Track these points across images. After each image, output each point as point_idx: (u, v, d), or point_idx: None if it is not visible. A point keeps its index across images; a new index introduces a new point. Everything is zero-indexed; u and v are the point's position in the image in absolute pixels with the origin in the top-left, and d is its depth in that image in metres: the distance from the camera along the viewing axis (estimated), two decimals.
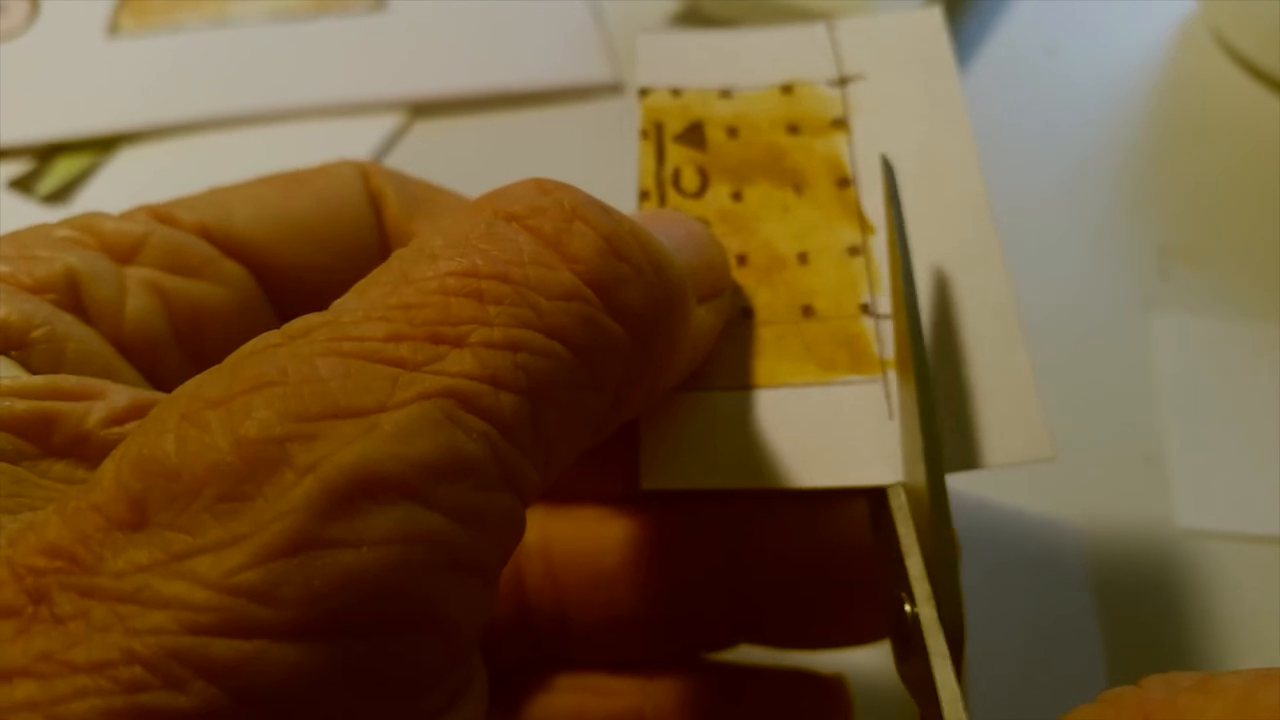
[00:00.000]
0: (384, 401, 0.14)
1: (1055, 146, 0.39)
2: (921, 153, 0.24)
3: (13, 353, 0.17)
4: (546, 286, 0.16)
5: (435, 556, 0.14)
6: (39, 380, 0.16)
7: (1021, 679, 0.27)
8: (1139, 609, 0.28)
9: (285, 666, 0.13)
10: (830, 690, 0.24)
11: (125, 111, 0.40)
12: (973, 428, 0.21)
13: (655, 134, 0.24)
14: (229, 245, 0.20)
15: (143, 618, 0.12)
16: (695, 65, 0.26)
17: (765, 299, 0.22)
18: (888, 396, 0.21)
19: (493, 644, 0.23)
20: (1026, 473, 0.21)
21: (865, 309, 0.22)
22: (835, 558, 0.22)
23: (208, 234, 0.20)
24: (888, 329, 0.22)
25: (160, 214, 0.20)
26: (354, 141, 0.39)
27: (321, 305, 0.18)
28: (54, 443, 0.15)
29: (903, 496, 0.19)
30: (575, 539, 0.23)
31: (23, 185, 0.38)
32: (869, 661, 0.24)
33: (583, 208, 0.17)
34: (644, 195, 0.23)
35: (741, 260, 0.22)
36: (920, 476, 0.18)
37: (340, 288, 0.19)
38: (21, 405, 0.15)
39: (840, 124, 0.25)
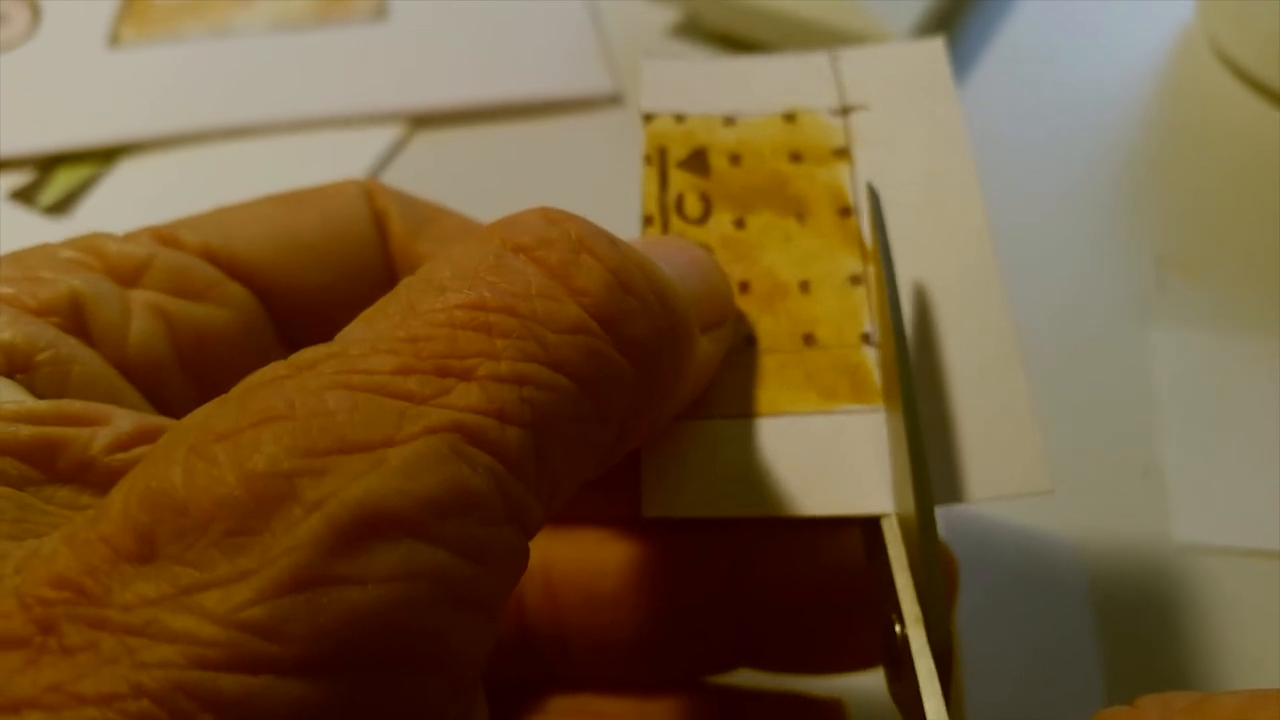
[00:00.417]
0: (391, 436, 0.14)
1: (1053, 156, 0.39)
2: (924, 183, 0.24)
3: (18, 376, 0.17)
4: (553, 320, 0.16)
5: (439, 592, 0.14)
6: (44, 405, 0.16)
7: (1019, 693, 0.27)
8: (1137, 623, 0.28)
9: (290, 702, 0.13)
10: (828, 713, 0.24)
11: (126, 122, 0.40)
12: (971, 459, 0.21)
13: (659, 159, 0.24)
14: (233, 267, 0.20)
15: (151, 651, 0.13)
16: (699, 91, 0.26)
17: (767, 326, 0.22)
18: (887, 427, 0.21)
19: (492, 665, 0.23)
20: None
21: (866, 338, 0.22)
22: (835, 583, 0.23)
23: (211, 256, 0.20)
24: None
25: (164, 236, 0.20)
26: (355, 152, 0.39)
27: (325, 326, 0.18)
28: (59, 468, 0.15)
29: (895, 524, 0.20)
30: (576, 561, 0.23)
31: (24, 196, 0.38)
32: (867, 685, 0.24)
33: (590, 239, 0.17)
34: (647, 221, 0.23)
35: (744, 287, 0.23)
36: (910, 505, 0.19)
37: (344, 308, 0.20)
38: (27, 430, 0.15)
39: (843, 153, 0.25)
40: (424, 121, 0.40)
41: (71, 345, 0.18)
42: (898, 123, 0.25)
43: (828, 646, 0.23)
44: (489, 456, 0.15)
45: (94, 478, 0.15)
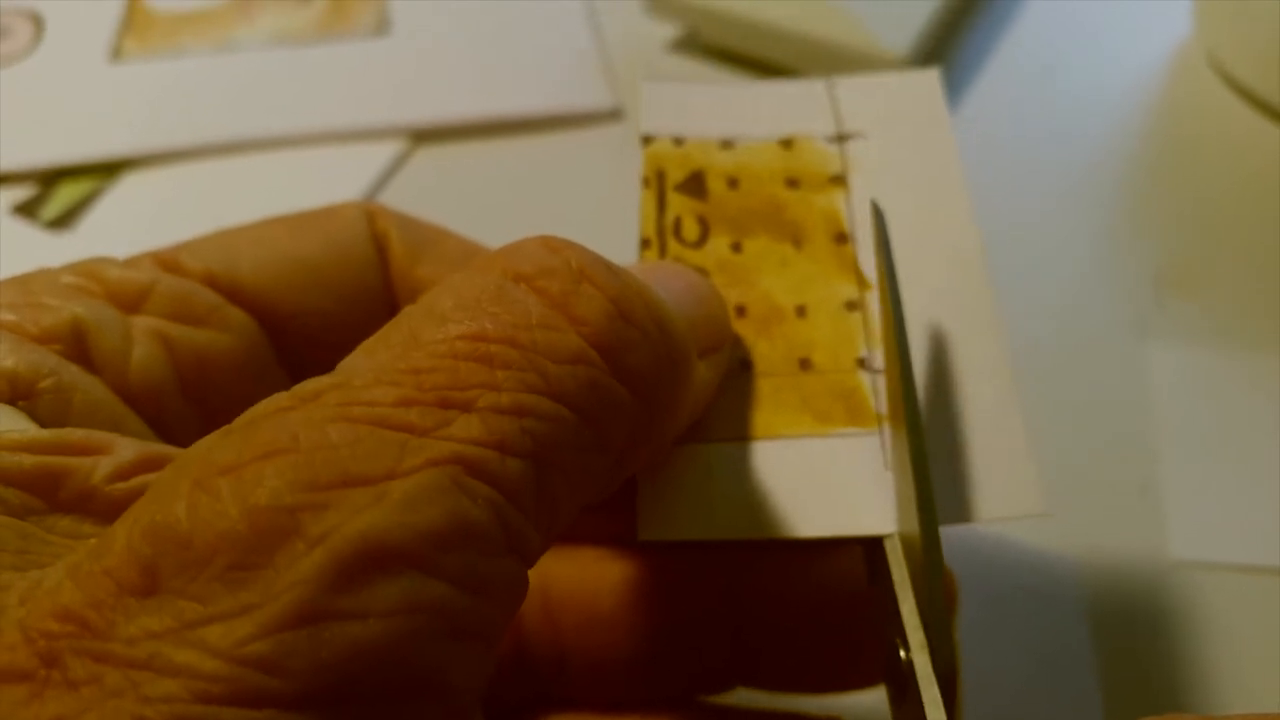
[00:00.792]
0: (393, 469, 0.14)
1: (1050, 171, 0.39)
2: (918, 213, 0.24)
3: (20, 403, 0.17)
4: (554, 350, 0.16)
5: (439, 625, 0.14)
6: (46, 434, 0.16)
7: (1018, 709, 0.27)
8: (1134, 640, 0.28)
9: None
10: None
11: (129, 136, 0.40)
12: (967, 482, 0.21)
13: (657, 182, 0.24)
14: (234, 292, 0.20)
15: (155, 685, 0.13)
16: (698, 114, 0.26)
17: (763, 350, 0.22)
18: (883, 449, 0.21)
19: (489, 685, 0.23)
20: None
21: (862, 363, 0.22)
22: (833, 602, 0.23)
23: (213, 281, 0.20)
24: (884, 383, 0.22)
25: (166, 261, 0.20)
26: (357, 167, 0.39)
27: (325, 349, 0.18)
28: (61, 498, 0.15)
29: (898, 545, 0.20)
30: (573, 579, 0.23)
31: (26, 211, 0.38)
32: (864, 704, 0.24)
33: (590, 268, 0.17)
34: (645, 243, 0.24)
35: (740, 311, 0.23)
36: (914, 525, 0.19)
37: (344, 332, 0.20)
38: (29, 460, 0.15)
39: (839, 180, 0.25)
40: (425, 136, 0.40)
41: (73, 372, 0.18)
42: (893, 152, 0.25)
43: (825, 665, 0.23)
44: (489, 488, 0.15)
45: (96, 507, 0.15)
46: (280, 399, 0.15)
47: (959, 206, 0.24)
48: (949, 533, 0.29)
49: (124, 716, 0.12)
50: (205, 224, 0.23)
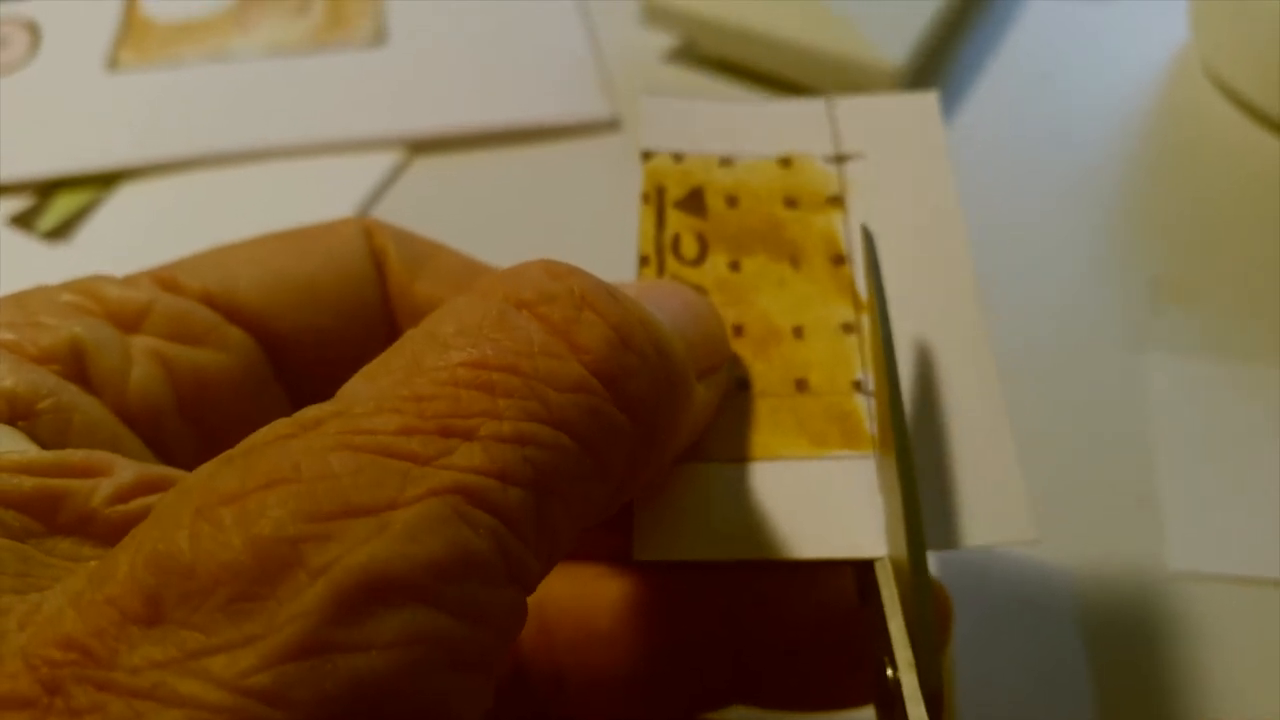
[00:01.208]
0: (394, 499, 0.14)
1: (1047, 180, 0.39)
2: (914, 237, 0.24)
3: (20, 423, 0.17)
4: (555, 378, 0.16)
5: (440, 656, 0.14)
6: (47, 456, 0.16)
7: None
8: (1130, 651, 0.28)
9: None
10: None
11: (126, 147, 0.40)
12: (957, 507, 0.21)
13: (656, 198, 0.24)
14: (232, 311, 0.20)
15: (158, 715, 0.13)
16: (698, 131, 0.26)
17: (760, 370, 0.22)
18: (879, 472, 0.21)
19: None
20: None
21: (858, 386, 0.22)
22: (830, 620, 0.23)
23: (211, 300, 0.20)
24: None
25: (164, 279, 0.20)
26: (354, 178, 0.39)
27: (323, 367, 0.18)
28: (60, 521, 0.15)
29: (889, 567, 0.20)
30: (571, 597, 0.23)
31: (23, 221, 0.38)
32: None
33: (591, 295, 0.17)
34: (644, 261, 0.23)
35: (738, 330, 0.23)
36: (904, 548, 0.19)
37: (342, 348, 0.20)
38: (29, 482, 0.15)
39: (836, 201, 0.25)
40: (422, 147, 0.40)
41: (72, 393, 0.18)
42: (890, 174, 0.25)
43: (822, 684, 0.23)
44: (491, 518, 0.15)
45: (95, 530, 0.15)
46: (281, 426, 0.15)
47: (953, 231, 0.24)
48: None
49: None
50: (202, 234, 0.23)
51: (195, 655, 0.13)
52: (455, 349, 0.16)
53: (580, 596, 0.23)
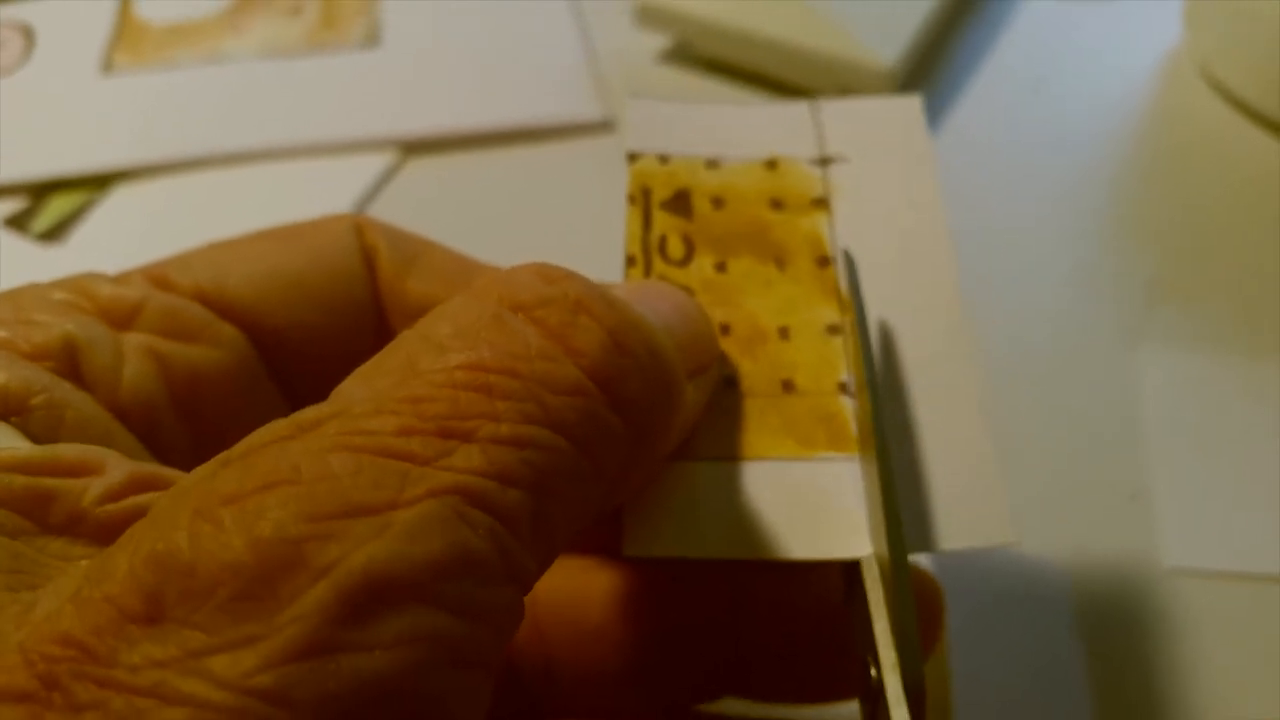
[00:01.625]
0: (395, 499, 0.14)
1: (1041, 181, 0.39)
2: (898, 239, 0.24)
3: (12, 419, 0.17)
4: (553, 381, 0.16)
5: (441, 655, 0.14)
6: (39, 452, 0.16)
7: (1008, 717, 0.27)
8: (1125, 647, 0.28)
9: None
10: None
11: (120, 148, 0.40)
12: (937, 510, 0.21)
13: (642, 199, 0.25)
14: (224, 307, 0.21)
15: (161, 713, 0.13)
16: (683, 133, 0.26)
17: (747, 369, 0.22)
18: (863, 474, 0.21)
19: None
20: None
21: (843, 388, 0.22)
22: (822, 612, 0.23)
23: (203, 297, 0.20)
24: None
25: (156, 277, 0.20)
26: (347, 179, 0.39)
27: (315, 363, 0.18)
28: (51, 521, 0.15)
29: (874, 567, 0.20)
30: (561, 591, 0.23)
31: (17, 223, 0.38)
32: (853, 714, 0.25)
33: (587, 299, 0.17)
34: (630, 261, 0.24)
35: (725, 330, 0.23)
36: (884, 549, 0.19)
37: (333, 345, 0.20)
38: (20, 481, 0.15)
39: (821, 203, 0.25)
40: (416, 148, 0.40)
41: (65, 389, 0.18)
42: (874, 177, 0.26)
43: (814, 676, 0.23)
44: (490, 518, 0.15)
45: (86, 529, 0.15)
46: (279, 427, 0.15)
47: (937, 235, 0.25)
48: None
49: None
50: (196, 236, 0.23)
51: (197, 654, 0.13)
52: (452, 351, 0.16)
53: (571, 590, 0.23)
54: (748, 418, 0.22)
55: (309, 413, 0.15)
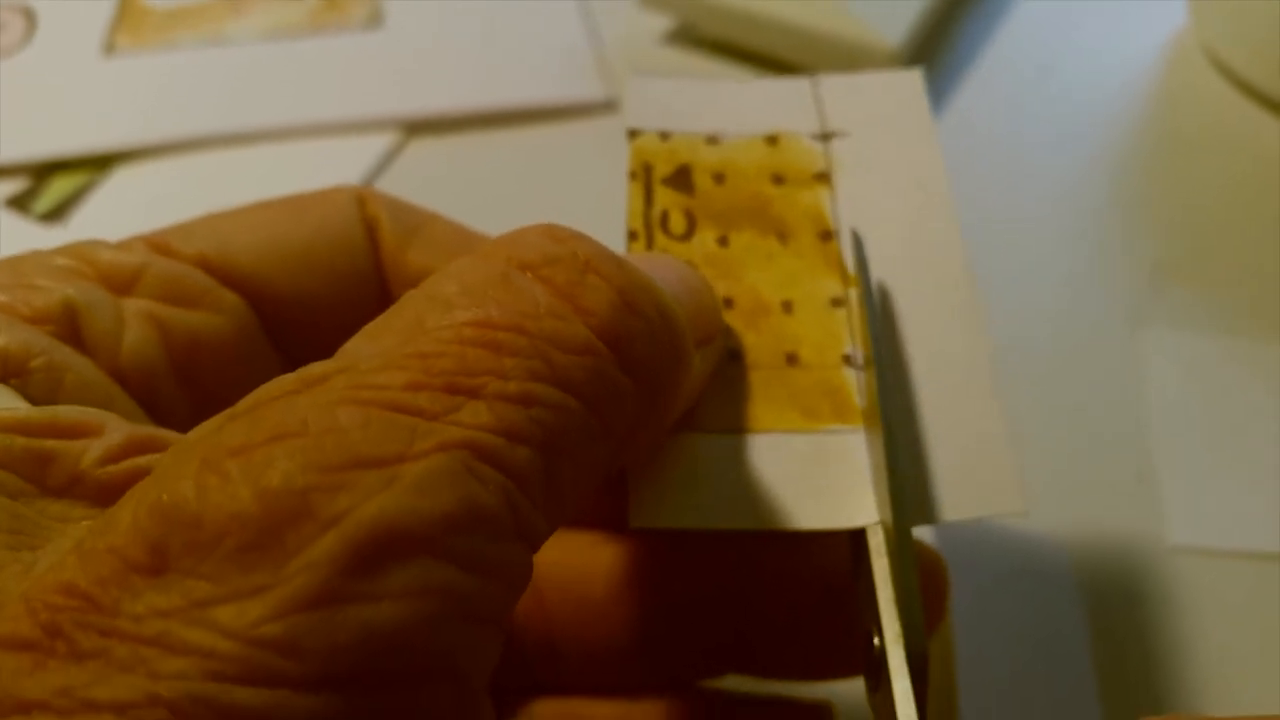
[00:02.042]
0: (403, 452, 0.14)
1: (1047, 162, 0.39)
2: (902, 211, 0.24)
3: (11, 381, 0.17)
4: (561, 340, 0.16)
5: (451, 608, 0.14)
6: (38, 413, 0.16)
7: (1013, 695, 0.27)
8: (1130, 626, 0.28)
9: (306, 715, 0.13)
10: (818, 718, 0.24)
11: (121, 130, 0.40)
12: (947, 480, 0.21)
13: (644, 175, 0.25)
14: (225, 275, 0.20)
15: (165, 662, 0.13)
16: (683, 110, 0.26)
17: (751, 341, 0.22)
18: (868, 446, 0.21)
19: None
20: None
21: (847, 360, 0.22)
22: (825, 588, 0.23)
23: (205, 264, 0.20)
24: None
25: (157, 244, 0.20)
26: (350, 159, 0.39)
27: (316, 332, 0.18)
28: (49, 483, 0.15)
29: (880, 536, 0.20)
30: (565, 565, 0.23)
31: (19, 204, 0.38)
32: (856, 691, 0.24)
33: (596, 259, 0.17)
34: (632, 236, 0.24)
35: (728, 303, 0.23)
36: (890, 520, 0.19)
37: (335, 315, 0.20)
38: (20, 442, 0.15)
39: (823, 178, 0.25)
40: (419, 128, 0.40)
41: (65, 353, 0.18)
42: (876, 151, 0.25)
43: (818, 652, 0.23)
44: (499, 474, 0.15)
45: (85, 491, 0.15)
46: (285, 382, 0.15)
47: (942, 207, 0.25)
48: (943, 524, 0.29)
49: (135, 691, 0.12)
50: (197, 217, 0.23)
51: (202, 605, 0.13)
52: (459, 308, 0.16)
53: (574, 564, 0.23)
54: (752, 390, 0.22)
55: (315, 368, 0.15)
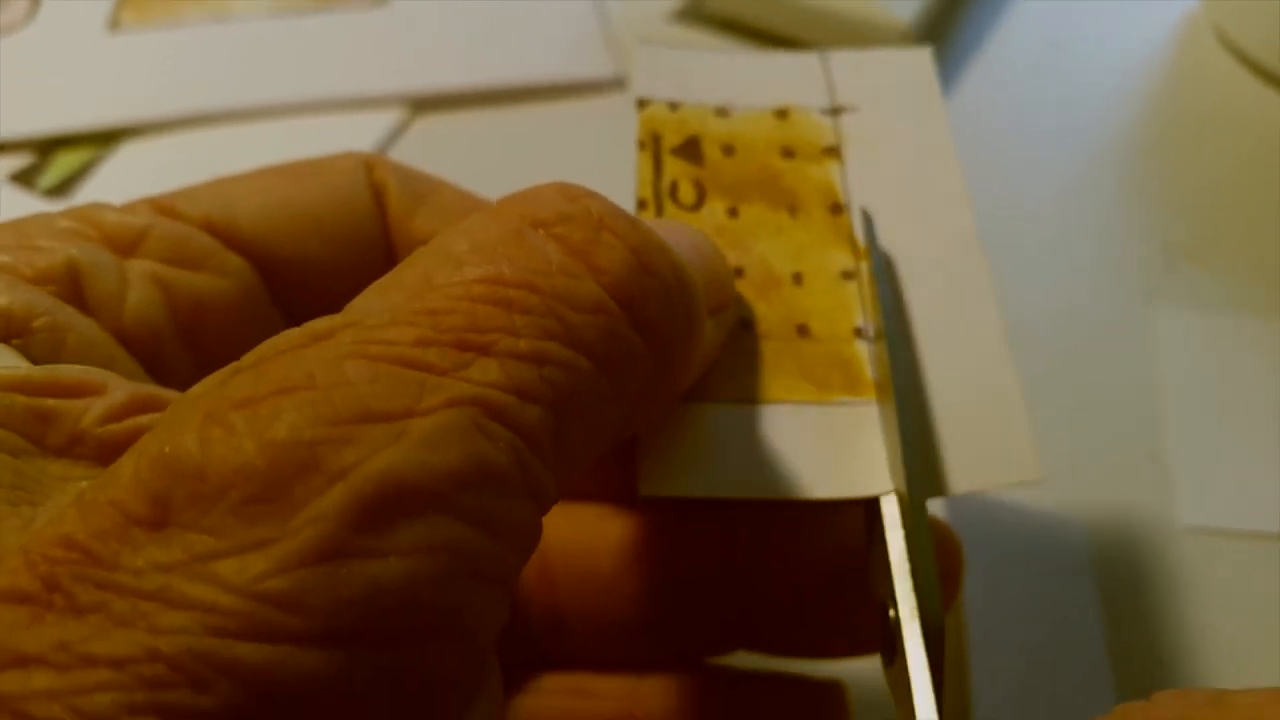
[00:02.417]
0: (412, 407, 0.14)
1: (1058, 141, 0.39)
2: (912, 186, 0.24)
3: (13, 341, 0.17)
4: (573, 298, 0.16)
5: (458, 566, 0.14)
6: (40, 372, 0.16)
7: (1025, 676, 0.27)
8: (1143, 606, 0.28)
9: (309, 672, 0.13)
10: (827, 696, 0.23)
11: (126, 105, 0.40)
12: (963, 451, 0.21)
13: (652, 145, 0.24)
14: (230, 238, 0.20)
15: (165, 616, 0.12)
16: (693, 81, 0.26)
17: (762, 311, 0.22)
18: (881, 418, 0.21)
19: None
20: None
21: (859, 332, 0.22)
22: (836, 566, 0.22)
23: (211, 227, 0.20)
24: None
25: (163, 206, 0.20)
26: (355, 136, 0.39)
27: (322, 297, 0.18)
28: (50, 443, 0.15)
29: (895, 505, 0.20)
30: (572, 538, 0.23)
31: (24, 179, 0.38)
32: (866, 670, 0.24)
33: (610, 218, 0.17)
34: (641, 205, 0.23)
35: (739, 273, 0.23)
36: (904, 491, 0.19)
37: (340, 279, 0.19)
38: (21, 401, 0.15)
39: (833, 152, 0.25)
40: (424, 105, 0.40)
41: (68, 313, 0.17)
42: (886, 126, 0.25)
43: (826, 630, 0.23)
44: (509, 432, 0.14)
45: (86, 450, 0.15)
46: (292, 336, 0.15)
47: (951, 179, 0.25)
48: (955, 503, 0.29)
49: (134, 646, 0.12)
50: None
51: (203, 559, 0.13)
52: (470, 265, 0.16)
53: (582, 538, 0.23)
54: (764, 361, 0.22)
55: (322, 323, 0.15)
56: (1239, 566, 0.29)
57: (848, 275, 0.23)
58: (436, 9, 0.43)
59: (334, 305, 0.16)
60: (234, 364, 0.15)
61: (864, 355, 0.22)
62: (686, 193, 0.24)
